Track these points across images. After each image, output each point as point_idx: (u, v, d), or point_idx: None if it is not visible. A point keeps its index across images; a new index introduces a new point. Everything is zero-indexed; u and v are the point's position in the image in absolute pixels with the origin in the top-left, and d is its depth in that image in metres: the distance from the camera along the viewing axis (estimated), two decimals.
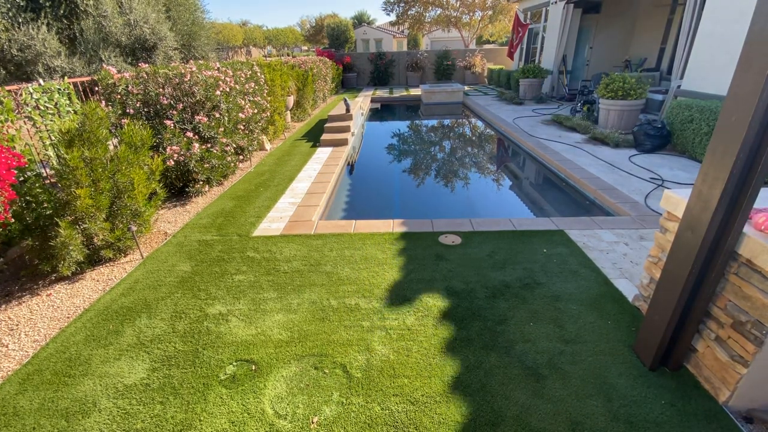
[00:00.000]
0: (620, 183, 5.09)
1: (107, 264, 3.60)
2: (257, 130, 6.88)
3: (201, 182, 5.14)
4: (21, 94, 3.78)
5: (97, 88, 4.84)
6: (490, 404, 2.06)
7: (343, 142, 7.79)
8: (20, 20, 6.42)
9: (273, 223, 4.33)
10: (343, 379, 2.25)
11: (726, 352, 1.93)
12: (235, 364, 2.39)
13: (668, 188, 4.36)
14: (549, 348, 2.42)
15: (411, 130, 11.12)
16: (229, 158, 5.60)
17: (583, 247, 3.58)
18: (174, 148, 4.71)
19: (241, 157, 6.20)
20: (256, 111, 6.58)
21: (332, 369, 2.33)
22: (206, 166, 5.12)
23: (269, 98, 7.51)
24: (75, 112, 4.28)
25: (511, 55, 15.52)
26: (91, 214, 3.31)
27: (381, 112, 13.86)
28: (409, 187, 6.47)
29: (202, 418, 2.05)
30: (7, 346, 2.61)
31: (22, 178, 3.06)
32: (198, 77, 5.31)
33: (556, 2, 12.30)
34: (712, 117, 5.48)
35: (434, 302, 2.88)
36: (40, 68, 6.53)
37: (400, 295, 2.98)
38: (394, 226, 4.11)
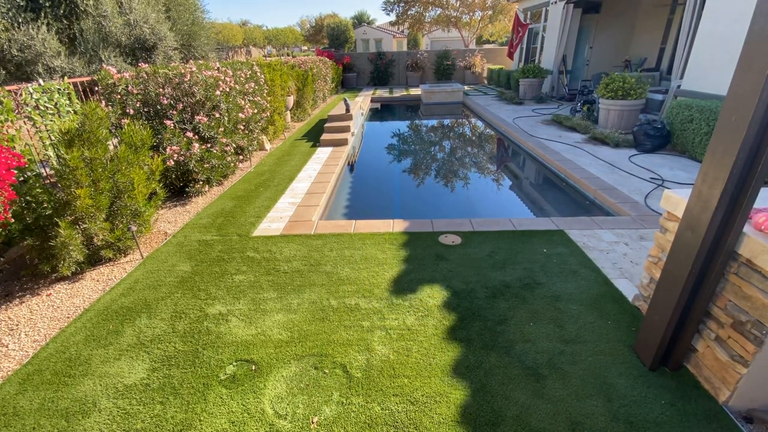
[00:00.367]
0: (620, 183, 5.09)
1: (107, 264, 3.60)
2: (257, 130, 6.88)
3: (201, 182, 5.14)
4: (21, 94, 3.77)
5: (97, 88, 4.84)
6: (490, 404, 2.06)
7: (343, 142, 7.79)
8: (20, 20, 6.42)
9: (273, 223, 4.33)
10: (343, 379, 2.25)
11: (726, 352, 1.93)
12: (235, 364, 2.39)
13: (668, 188, 4.36)
14: (549, 348, 2.42)
15: (411, 130, 11.12)
16: (229, 158, 5.60)
17: (583, 247, 3.57)
18: (174, 148, 4.71)
19: (241, 157, 6.20)
20: (256, 111, 6.58)
21: (332, 369, 2.33)
22: (206, 166, 5.12)
23: (269, 98, 7.51)
24: (75, 112, 4.28)
25: (510, 55, 15.52)
26: (91, 214, 3.31)
27: (381, 112, 13.86)
28: (409, 187, 6.47)
29: (202, 418, 2.05)
30: (7, 346, 2.61)
31: (22, 178, 3.06)
32: (198, 77, 5.31)
33: (556, 2, 12.30)
34: (712, 117, 5.48)
35: (434, 302, 2.88)
36: (40, 68, 6.53)
37: (400, 295, 2.98)
38: (394, 226, 4.11)
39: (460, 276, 3.20)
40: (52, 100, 4.10)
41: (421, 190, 6.38)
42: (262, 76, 7.27)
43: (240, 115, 6.01)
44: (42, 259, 3.18)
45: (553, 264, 3.32)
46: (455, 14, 25.35)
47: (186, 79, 5.19)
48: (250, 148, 6.56)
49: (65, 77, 5.58)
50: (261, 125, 7.05)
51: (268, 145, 7.71)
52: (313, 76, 11.68)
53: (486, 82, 18.72)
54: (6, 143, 3.01)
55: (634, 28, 12.37)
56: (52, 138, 3.97)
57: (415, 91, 16.51)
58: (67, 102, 4.27)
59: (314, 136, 8.62)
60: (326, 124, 8.41)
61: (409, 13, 26.33)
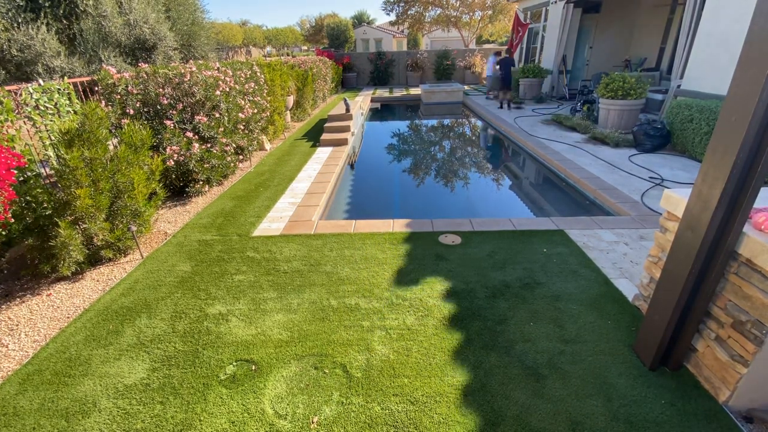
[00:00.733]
0: (620, 183, 5.09)
1: (107, 264, 3.60)
2: (257, 130, 6.88)
3: (201, 182, 5.14)
4: (21, 94, 3.77)
5: (96, 88, 4.84)
6: (490, 404, 2.06)
7: (342, 142, 7.79)
8: (20, 20, 6.41)
9: (273, 223, 4.33)
10: (343, 379, 2.25)
11: (726, 351, 1.93)
12: (235, 364, 2.39)
13: (667, 187, 4.36)
14: (549, 348, 2.42)
15: (411, 129, 11.12)
16: (228, 158, 5.60)
17: (583, 246, 3.57)
18: (174, 148, 4.71)
19: (240, 157, 6.20)
20: (255, 111, 6.58)
21: (332, 369, 2.33)
22: (206, 166, 5.12)
23: (269, 98, 7.51)
24: (75, 112, 4.28)
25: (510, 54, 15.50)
26: (91, 214, 3.31)
27: (381, 111, 13.86)
28: (409, 187, 6.47)
29: (202, 418, 2.05)
30: (7, 346, 2.61)
31: (22, 178, 3.06)
32: (198, 77, 5.31)
33: (556, 2, 12.29)
34: (712, 117, 5.48)
35: (434, 302, 2.88)
36: (39, 68, 6.52)
37: (400, 295, 2.98)
38: (394, 225, 4.11)
39: (460, 276, 3.20)
40: (52, 100, 4.09)
41: (421, 189, 6.38)
42: (262, 76, 7.27)
43: (240, 115, 6.01)
44: (42, 259, 3.18)
45: (553, 264, 3.32)
46: (455, 14, 25.34)
47: (186, 79, 5.19)
48: (250, 148, 6.56)
49: (65, 77, 5.58)
50: (261, 125, 7.05)
51: (268, 145, 7.71)
52: (313, 76, 11.68)
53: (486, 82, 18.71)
54: (6, 143, 3.01)
55: (634, 27, 12.37)
56: (52, 138, 3.96)
57: (415, 91, 16.51)
58: (67, 102, 4.27)
59: (314, 135, 8.62)
60: (326, 124, 8.41)
61: (409, 13, 26.32)
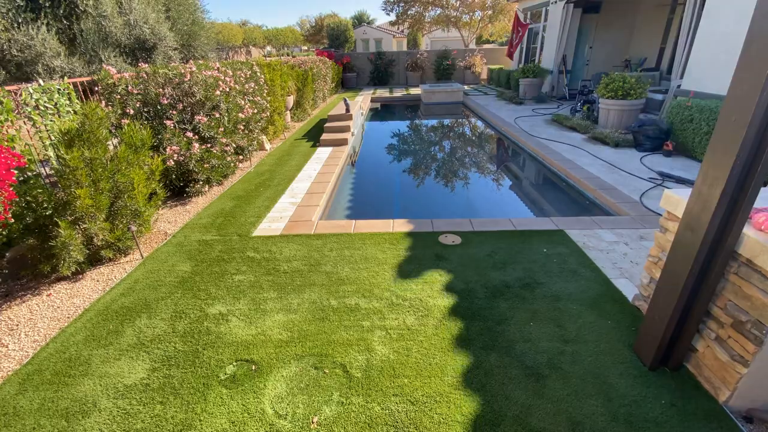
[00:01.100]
0: (620, 183, 5.09)
1: (107, 264, 3.60)
2: (257, 130, 6.88)
3: (201, 182, 5.14)
4: (21, 95, 3.77)
5: (97, 88, 4.83)
6: (490, 404, 2.06)
7: (342, 142, 7.79)
8: (20, 20, 6.41)
9: (273, 223, 4.33)
10: (343, 379, 2.25)
11: (726, 351, 1.93)
12: (235, 364, 2.39)
13: (667, 187, 4.36)
14: (549, 348, 2.42)
15: (411, 130, 11.12)
16: (228, 158, 5.60)
17: (583, 246, 3.57)
18: (174, 148, 4.71)
19: (240, 157, 6.20)
20: (255, 111, 6.57)
21: (332, 369, 2.33)
22: (206, 166, 5.12)
23: (269, 98, 7.51)
24: (75, 113, 4.28)
25: (510, 54, 15.50)
26: (91, 214, 3.31)
27: (381, 112, 13.85)
28: (409, 187, 6.47)
29: (202, 418, 2.05)
30: (7, 346, 2.61)
31: (22, 178, 3.06)
32: (198, 77, 5.31)
33: (555, 2, 12.29)
34: (712, 116, 5.48)
35: (434, 302, 2.88)
36: (39, 68, 6.52)
37: (400, 295, 2.98)
38: (394, 225, 4.11)
39: (460, 276, 3.20)
40: (52, 100, 4.09)
41: (421, 190, 6.38)
42: (262, 76, 7.27)
43: (240, 115, 6.01)
44: (42, 259, 3.18)
45: (553, 264, 3.32)
46: (455, 14, 25.33)
47: (186, 79, 5.19)
48: (250, 148, 6.56)
49: (65, 77, 5.58)
50: (261, 125, 7.05)
51: (268, 145, 7.71)
52: (313, 76, 11.68)
53: (486, 82, 18.72)
54: (6, 143, 3.01)
55: (634, 27, 12.37)
56: (52, 138, 3.97)
57: (415, 91, 16.51)
58: (67, 102, 4.27)
59: (314, 136, 8.62)
60: (326, 124, 8.41)
61: (409, 13, 26.29)
